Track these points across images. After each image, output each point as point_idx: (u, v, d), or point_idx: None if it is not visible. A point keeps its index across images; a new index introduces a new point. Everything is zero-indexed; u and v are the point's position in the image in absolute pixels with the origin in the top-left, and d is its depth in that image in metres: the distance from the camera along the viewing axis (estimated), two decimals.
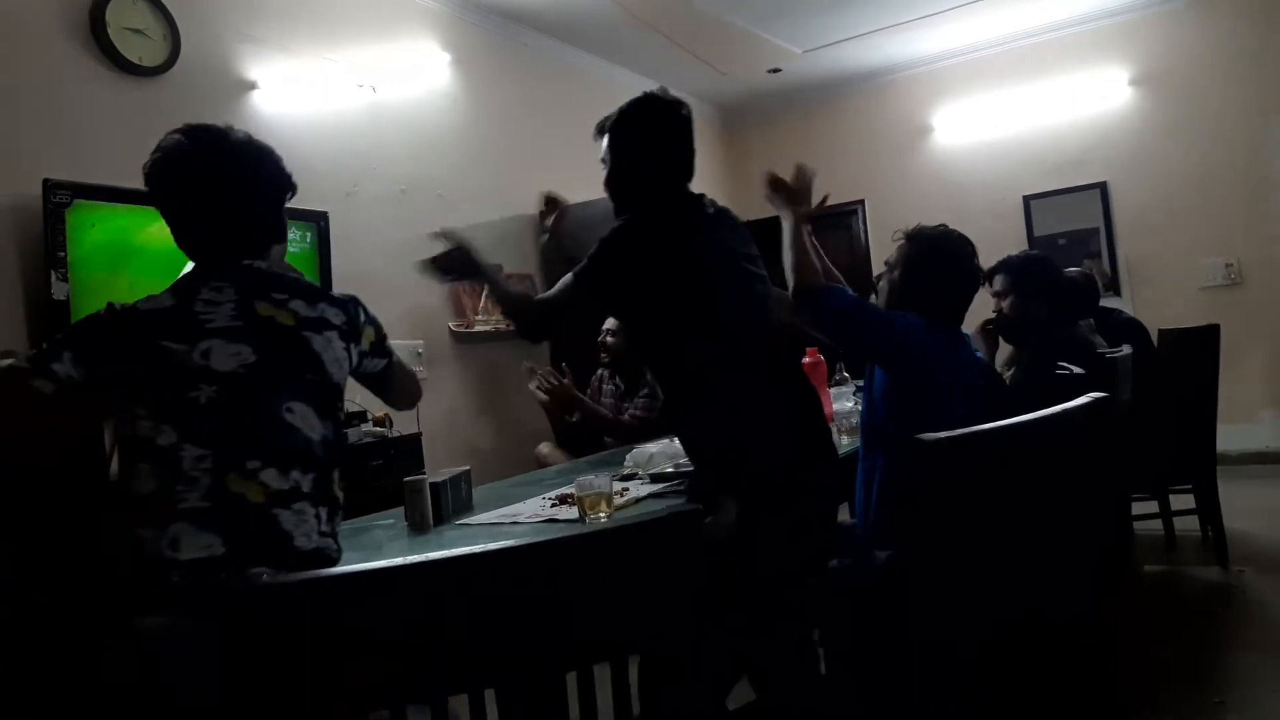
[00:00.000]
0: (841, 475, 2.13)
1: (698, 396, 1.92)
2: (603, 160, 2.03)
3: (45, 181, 2.68)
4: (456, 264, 2.02)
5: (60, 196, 2.69)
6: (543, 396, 3.53)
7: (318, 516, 1.50)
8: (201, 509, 1.39)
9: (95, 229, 2.77)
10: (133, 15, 3.10)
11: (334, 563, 1.50)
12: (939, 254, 2.16)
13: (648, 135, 1.98)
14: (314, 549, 1.47)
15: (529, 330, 2.07)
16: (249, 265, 1.57)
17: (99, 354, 1.49)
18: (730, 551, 1.74)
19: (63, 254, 2.68)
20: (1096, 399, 1.36)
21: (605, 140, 2.02)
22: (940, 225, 2.21)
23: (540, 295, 2.05)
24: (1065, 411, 1.33)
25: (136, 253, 2.88)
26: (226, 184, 1.55)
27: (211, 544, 1.38)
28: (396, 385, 1.81)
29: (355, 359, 1.64)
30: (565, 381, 3.50)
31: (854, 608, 1.91)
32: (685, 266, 1.88)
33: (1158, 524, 3.63)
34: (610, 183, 2.03)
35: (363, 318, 1.66)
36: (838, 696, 1.88)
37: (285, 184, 1.65)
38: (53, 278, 2.66)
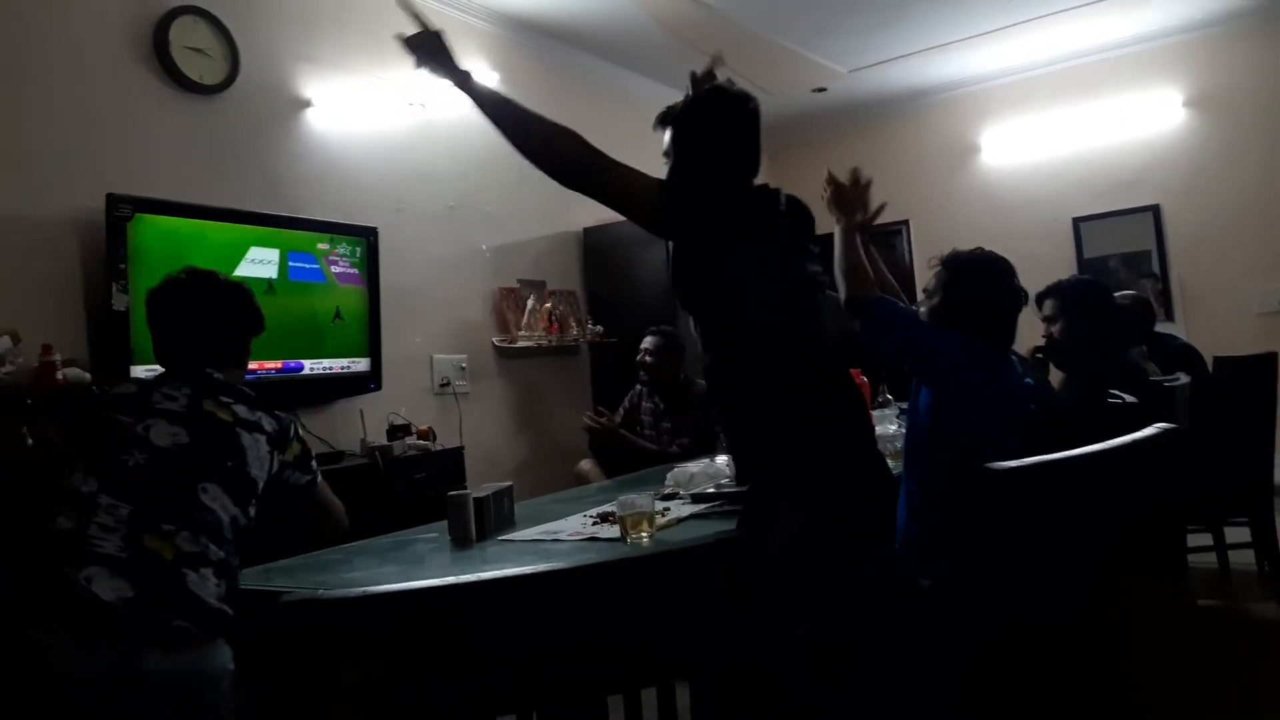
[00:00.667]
0: (878, 478, 2.03)
1: (714, 398, 1.93)
2: (665, 154, 1.97)
3: (108, 196, 2.75)
4: (426, 47, 1.95)
5: (122, 210, 2.76)
6: (593, 425, 3.70)
7: (218, 585, 1.66)
8: (117, 558, 1.59)
9: (155, 242, 2.85)
10: (194, 35, 3.19)
11: (233, 623, 1.66)
12: (976, 270, 2.16)
13: (715, 129, 1.91)
14: (216, 609, 1.63)
15: (555, 162, 1.80)
16: (208, 374, 1.85)
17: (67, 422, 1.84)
18: (732, 551, 1.72)
19: (124, 266, 2.75)
20: (1166, 430, 1.32)
21: (668, 133, 1.95)
22: (976, 248, 2.21)
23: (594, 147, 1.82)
24: (1134, 442, 1.29)
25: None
26: (205, 314, 1.90)
27: (121, 588, 1.56)
28: (320, 507, 1.99)
29: (276, 465, 1.85)
30: (605, 422, 3.72)
31: (884, 621, 1.88)
32: (707, 270, 1.86)
33: (1212, 557, 3.53)
34: (673, 178, 1.94)
35: (293, 434, 1.90)
36: (846, 701, 1.84)
37: (254, 322, 1.98)
38: (114, 289, 2.73)
